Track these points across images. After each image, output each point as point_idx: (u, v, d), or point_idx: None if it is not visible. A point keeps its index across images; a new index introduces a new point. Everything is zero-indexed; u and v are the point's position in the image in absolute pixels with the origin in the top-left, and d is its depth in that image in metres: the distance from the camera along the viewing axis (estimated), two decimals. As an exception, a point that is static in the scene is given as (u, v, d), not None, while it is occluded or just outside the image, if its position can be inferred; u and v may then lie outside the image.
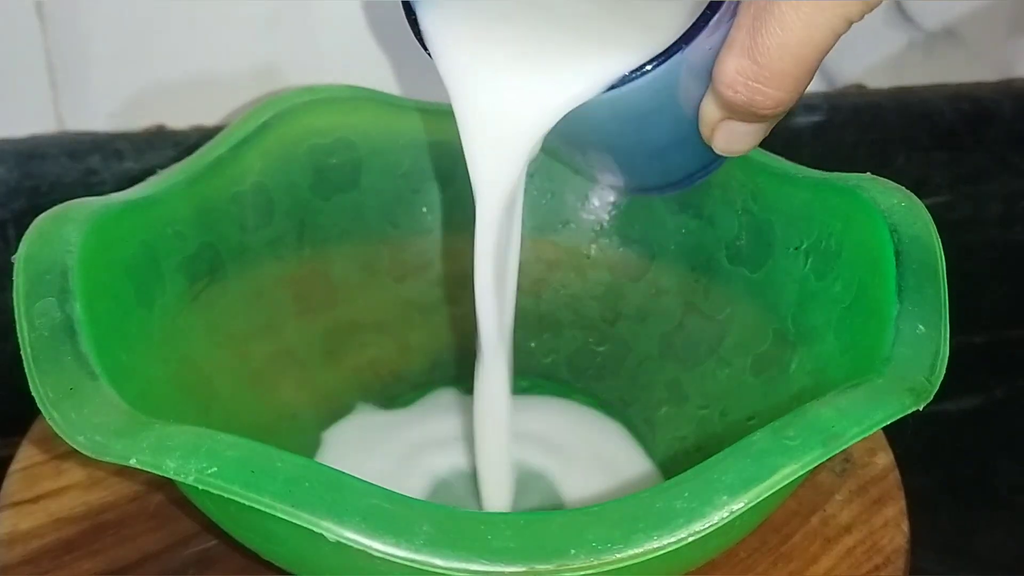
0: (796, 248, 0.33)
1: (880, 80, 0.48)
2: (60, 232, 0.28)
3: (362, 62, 0.43)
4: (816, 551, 0.31)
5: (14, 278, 0.27)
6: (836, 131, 0.47)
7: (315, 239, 0.38)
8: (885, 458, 0.34)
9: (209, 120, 0.43)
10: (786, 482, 0.22)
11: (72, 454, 0.33)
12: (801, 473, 0.22)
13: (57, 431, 0.23)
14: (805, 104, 0.47)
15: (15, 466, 0.34)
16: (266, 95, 0.41)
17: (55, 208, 0.29)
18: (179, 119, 0.42)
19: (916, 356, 0.26)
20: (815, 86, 0.47)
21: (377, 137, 0.38)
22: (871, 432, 0.23)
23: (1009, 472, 0.46)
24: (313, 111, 0.37)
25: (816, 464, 0.22)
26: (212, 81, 0.42)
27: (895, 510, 0.33)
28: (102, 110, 0.42)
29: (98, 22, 0.40)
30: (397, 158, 0.39)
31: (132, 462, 0.22)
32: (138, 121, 0.42)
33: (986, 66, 0.49)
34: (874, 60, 0.47)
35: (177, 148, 0.42)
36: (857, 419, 0.23)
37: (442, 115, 0.39)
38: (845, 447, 0.23)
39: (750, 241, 0.35)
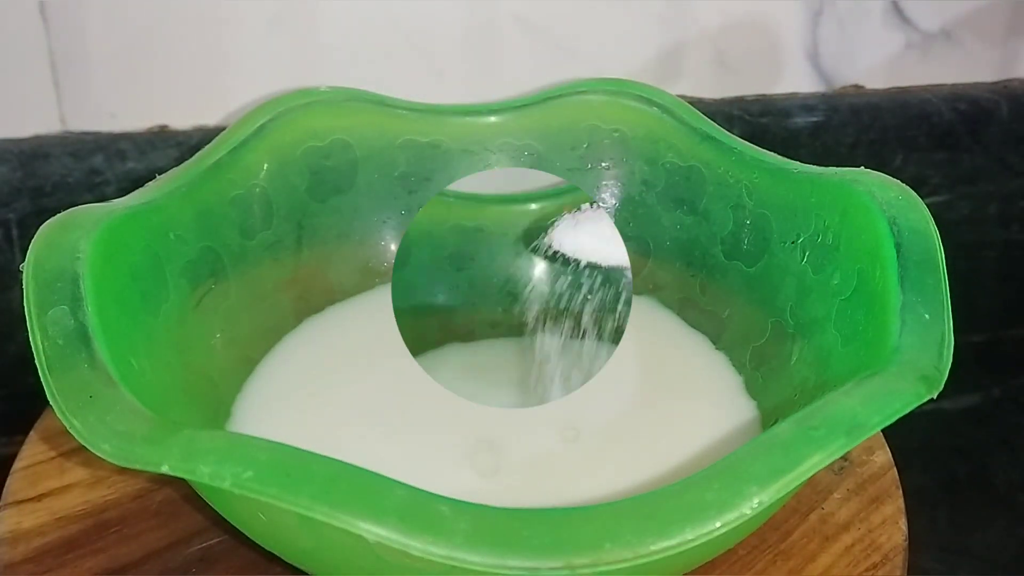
0: (793, 242, 0.33)
1: (878, 80, 0.48)
2: (68, 239, 0.28)
3: (362, 63, 0.43)
4: (815, 549, 0.31)
5: (23, 286, 0.26)
6: (834, 131, 0.47)
7: (313, 241, 0.38)
8: (883, 456, 0.34)
9: (211, 120, 0.43)
10: (812, 472, 0.22)
11: (75, 453, 0.33)
12: (826, 463, 0.23)
13: (80, 440, 0.23)
14: (803, 104, 0.47)
15: (18, 464, 0.34)
16: (268, 96, 0.41)
17: (59, 215, 0.29)
18: (182, 119, 0.43)
19: (924, 345, 0.26)
20: (813, 86, 0.47)
21: (373, 139, 0.38)
22: (891, 421, 0.24)
23: (1007, 470, 0.46)
24: (309, 114, 0.37)
25: (841, 453, 0.23)
26: (214, 81, 0.42)
27: (893, 508, 0.33)
28: (105, 110, 0.42)
29: (101, 22, 0.40)
30: (393, 160, 0.39)
31: (164, 468, 0.22)
32: (141, 121, 0.42)
33: (983, 67, 0.49)
34: (872, 61, 0.47)
35: (180, 148, 0.42)
36: (877, 408, 0.24)
37: (437, 116, 0.39)
38: (867, 436, 0.23)
39: (746, 236, 0.35)
